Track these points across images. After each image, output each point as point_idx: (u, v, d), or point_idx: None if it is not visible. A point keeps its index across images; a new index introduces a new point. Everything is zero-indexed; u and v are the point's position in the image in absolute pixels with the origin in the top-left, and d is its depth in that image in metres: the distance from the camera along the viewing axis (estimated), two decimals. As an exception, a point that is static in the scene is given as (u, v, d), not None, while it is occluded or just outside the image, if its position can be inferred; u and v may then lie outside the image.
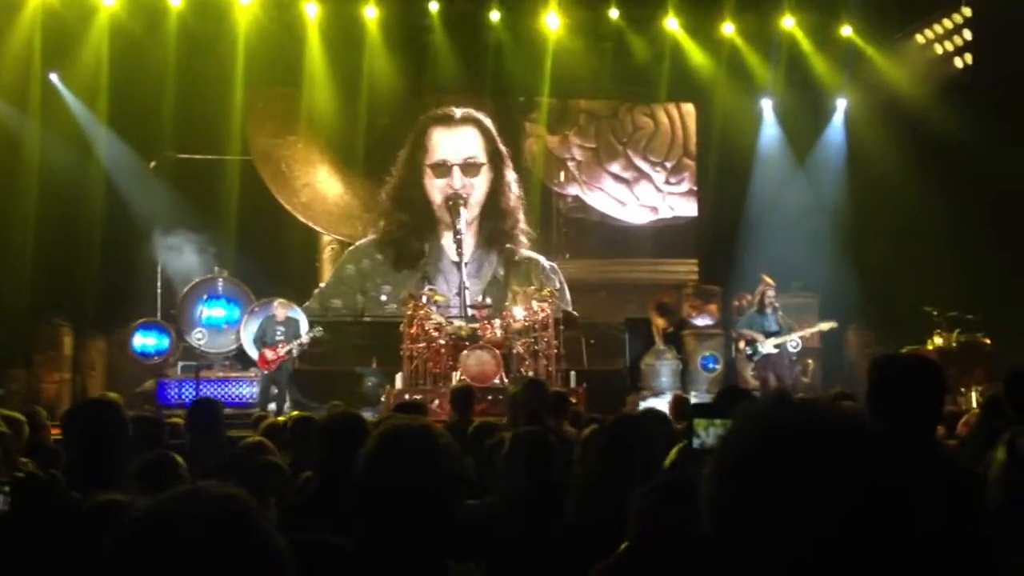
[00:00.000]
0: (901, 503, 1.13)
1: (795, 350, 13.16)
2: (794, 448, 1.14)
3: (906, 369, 3.26)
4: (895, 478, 1.14)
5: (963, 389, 11.79)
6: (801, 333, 13.28)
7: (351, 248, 16.30)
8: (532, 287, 14.74)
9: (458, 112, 16.55)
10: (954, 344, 12.70)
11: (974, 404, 10.60)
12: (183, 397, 12.60)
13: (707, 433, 2.81)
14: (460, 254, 15.47)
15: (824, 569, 1.09)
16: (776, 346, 13.01)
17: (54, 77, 14.58)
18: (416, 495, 2.24)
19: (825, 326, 13.46)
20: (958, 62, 14.24)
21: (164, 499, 1.43)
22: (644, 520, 2.68)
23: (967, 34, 14.07)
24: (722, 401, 3.84)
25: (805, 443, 1.14)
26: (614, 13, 15.34)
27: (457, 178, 16.34)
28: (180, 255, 14.34)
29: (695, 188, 17.12)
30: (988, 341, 12.74)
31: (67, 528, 2.04)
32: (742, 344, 13.33)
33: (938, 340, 12.66)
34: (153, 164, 14.78)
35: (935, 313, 12.77)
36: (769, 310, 13.17)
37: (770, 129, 16.52)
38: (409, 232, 16.29)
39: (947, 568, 1.16)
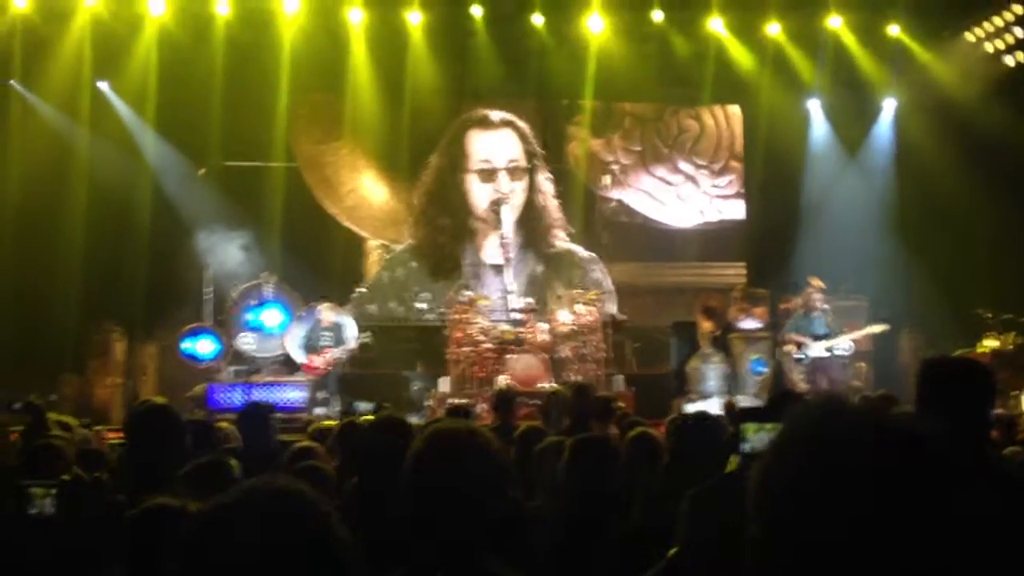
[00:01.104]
0: (956, 515, 1.11)
1: (847, 353, 12.95)
2: (843, 456, 1.12)
3: (954, 372, 3.23)
4: (949, 488, 1.12)
5: (1017, 392, 11.58)
6: (852, 336, 13.10)
7: (387, 256, 16.36)
8: (577, 290, 14.69)
9: (495, 115, 16.54)
10: (1010, 347, 12.49)
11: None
12: (233, 401, 12.72)
13: (756, 438, 2.78)
14: (507, 259, 15.48)
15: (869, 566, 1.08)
16: (826, 349, 12.82)
17: (104, 85, 14.83)
18: (462, 497, 2.24)
19: (877, 328, 13.27)
20: (1008, 60, 14.03)
21: (234, 493, 1.43)
22: (692, 524, 2.67)
23: (1018, 32, 13.86)
24: (774, 406, 3.80)
25: (853, 451, 1.12)
26: (658, 15, 15.26)
27: (504, 182, 16.34)
28: (225, 252, 14.50)
29: (742, 190, 16.99)
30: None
31: (111, 530, 2.06)
32: (787, 348, 13.18)
33: (992, 343, 12.45)
34: (202, 171, 14.97)
35: (989, 315, 12.57)
36: (817, 313, 12.99)
37: (817, 130, 16.36)
38: (449, 237, 16.32)
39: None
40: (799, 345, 12.94)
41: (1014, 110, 13.24)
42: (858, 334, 13.25)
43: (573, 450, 3.95)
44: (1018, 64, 13.89)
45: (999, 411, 7.39)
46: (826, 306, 13.10)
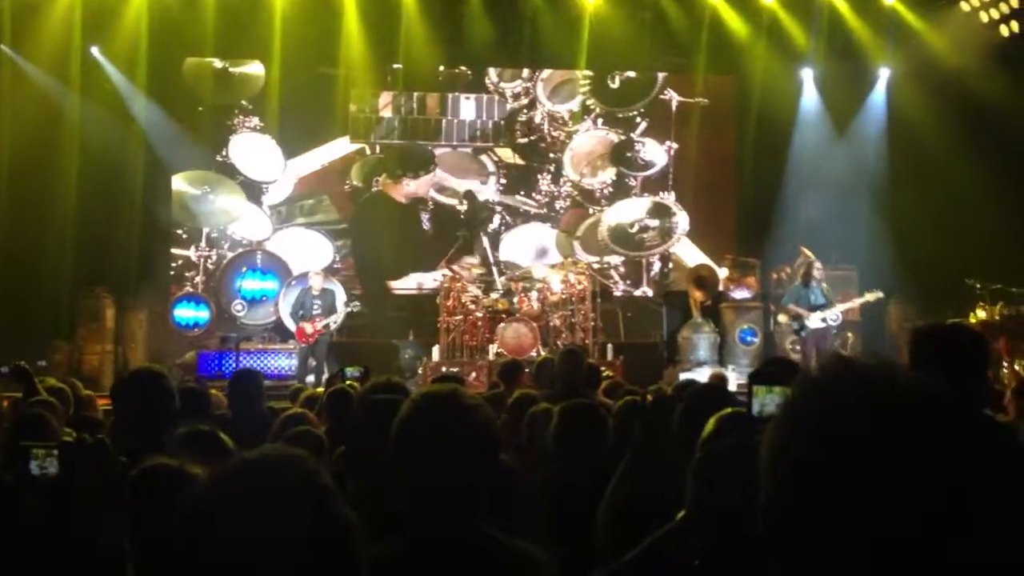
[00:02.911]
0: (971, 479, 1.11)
1: (835, 323, 12.96)
2: (862, 419, 1.11)
3: (948, 338, 3.21)
4: (967, 450, 1.12)
5: (1007, 363, 11.64)
6: (848, 305, 13.09)
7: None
8: (568, 259, 14.71)
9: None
10: (997, 317, 12.53)
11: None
12: (223, 369, 12.74)
13: (767, 400, 2.77)
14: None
15: (891, 537, 1.07)
16: (822, 320, 12.78)
17: (95, 50, 14.69)
18: (452, 461, 2.23)
19: (871, 296, 13.22)
20: (1004, 30, 13.98)
21: (235, 462, 1.43)
22: (701, 488, 2.67)
23: (1014, 1, 13.80)
24: (773, 370, 3.80)
25: (875, 409, 1.11)
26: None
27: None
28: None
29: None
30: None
31: (115, 490, 2.07)
32: (782, 318, 13.18)
33: (981, 313, 12.48)
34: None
35: (978, 285, 12.60)
36: (814, 283, 12.93)
37: (810, 100, 16.29)
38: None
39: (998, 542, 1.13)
40: (795, 316, 12.88)
41: (1009, 79, 13.20)
42: (855, 303, 13.24)
43: (562, 416, 3.96)
44: (1013, 33, 13.84)
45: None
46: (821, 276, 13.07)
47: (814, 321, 12.75)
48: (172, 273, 15.08)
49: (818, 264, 13.01)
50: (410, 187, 16.22)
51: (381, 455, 2.37)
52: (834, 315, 12.85)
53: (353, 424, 3.63)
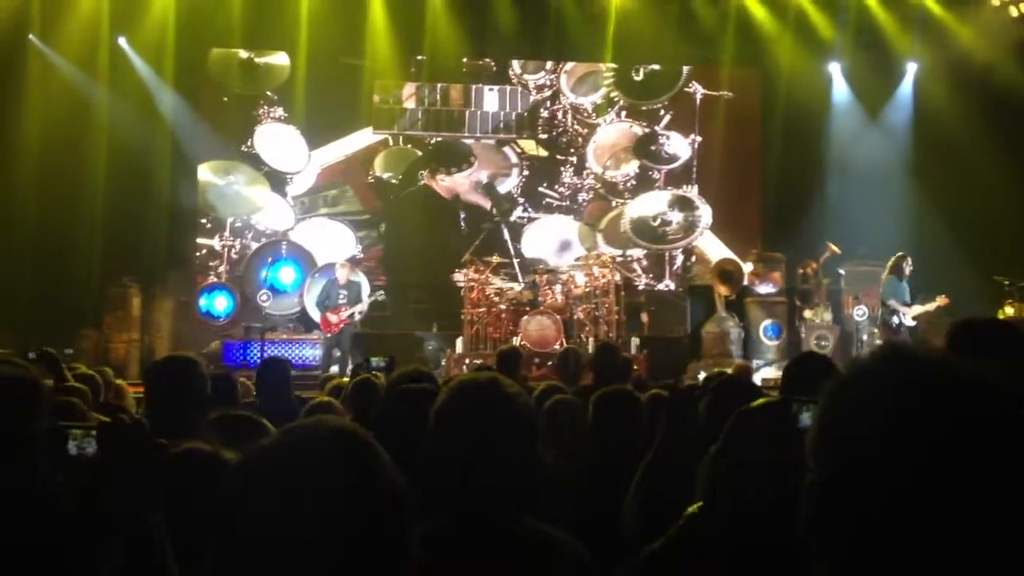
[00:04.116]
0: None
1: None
2: (924, 401, 1.11)
3: (986, 332, 3.17)
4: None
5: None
6: (926, 307, 12.47)
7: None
8: (593, 252, 14.69)
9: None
10: (1024, 314, 12.44)
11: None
12: (248, 358, 12.79)
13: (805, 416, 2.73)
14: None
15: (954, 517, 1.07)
16: (913, 318, 12.29)
17: (122, 41, 14.77)
18: (491, 446, 2.21)
19: (941, 301, 12.50)
20: (1034, 25, 13.86)
21: (289, 429, 1.44)
22: (715, 481, 2.67)
23: (1045, -5, 13.69)
24: (809, 367, 3.78)
25: (935, 395, 1.11)
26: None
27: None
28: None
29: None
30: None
31: (154, 472, 2.08)
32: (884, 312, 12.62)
33: (1010, 310, 12.38)
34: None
35: (1007, 283, 12.49)
36: (907, 279, 12.49)
37: (837, 94, 16.19)
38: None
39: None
40: (892, 312, 12.41)
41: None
42: (931, 306, 12.53)
43: (599, 402, 3.95)
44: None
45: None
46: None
47: (909, 319, 12.33)
48: (198, 263, 15.15)
49: (908, 259, 12.57)
50: (445, 182, 16.21)
51: (410, 443, 2.37)
52: (920, 315, 12.37)
53: (381, 412, 3.64)
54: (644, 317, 14.70)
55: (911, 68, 15.89)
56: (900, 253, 12.61)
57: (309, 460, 1.34)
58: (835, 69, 16.17)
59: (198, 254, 15.26)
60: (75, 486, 2.19)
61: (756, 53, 15.91)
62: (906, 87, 15.94)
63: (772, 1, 15.41)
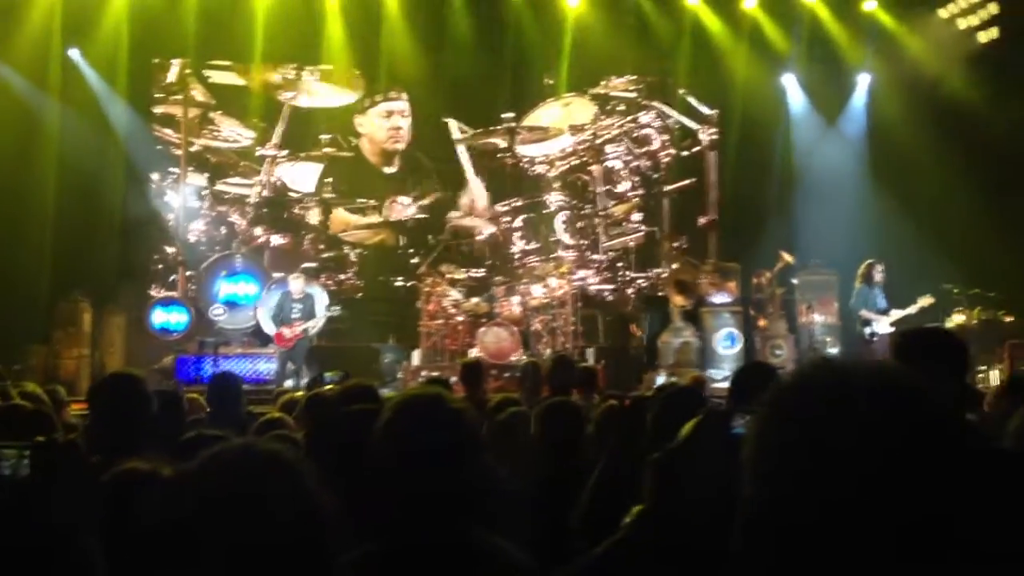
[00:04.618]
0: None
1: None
2: (854, 413, 1.10)
3: (929, 340, 3.22)
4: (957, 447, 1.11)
5: (984, 367, 11.69)
6: (905, 312, 12.20)
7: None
8: (550, 264, 14.69)
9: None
10: (975, 322, 12.58)
11: (995, 382, 10.49)
12: (201, 373, 12.65)
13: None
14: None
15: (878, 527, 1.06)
16: (891, 324, 11.99)
17: (74, 53, 14.59)
18: (435, 465, 2.21)
19: (924, 302, 12.30)
20: (981, 36, 14.08)
21: (216, 452, 1.41)
22: (658, 484, 2.67)
23: (991, 8, 13.91)
24: (754, 377, 3.80)
25: (865, 407, 1.10)
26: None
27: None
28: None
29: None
30: (1010, 319, 12.63)
31: (87, 492, 2.04)
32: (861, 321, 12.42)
33: (959, 318, 12.52)
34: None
35: (955, 290, 12.64)
36: (877, 286, 12.37)
37: (791, 106, 16.36)
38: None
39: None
40: (867, 321, 12.26)
41: (987, 86, 13.30)
42: (911, 309, 12.33)
43: (543, 414, 3.95)
44: (991, 40, 13.94)
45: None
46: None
47: (884, 326, 12.11)
48: (151, 278, 14.94)
49: (879, 265, 12.49)
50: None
51: (356, 464, 2.35)
52: (899, 320, 12.09)
53: (326, 436, 3.61)
54: (633, 329, 14.62)
55: (864, 79, 16.09)
56: (869, 260, 12.51)
57: (234, 484, 1.32)
58: (790, 80, 16.33)
59: (153, 269, 15.01)
60: (6, 507, 2.14)
61: (712, 65, 16.04)
62: (860, 97, 16.13)
63: (727, 13, 15.56)
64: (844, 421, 1.09)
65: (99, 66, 14.61)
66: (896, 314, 12.22)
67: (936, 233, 13.56)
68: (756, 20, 15.52)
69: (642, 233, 16.09)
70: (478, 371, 7.85)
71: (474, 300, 13.68)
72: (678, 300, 14.17)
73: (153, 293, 14.64)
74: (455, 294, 13.65)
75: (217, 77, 15.59)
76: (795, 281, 14.34)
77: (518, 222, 15.75)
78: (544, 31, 15.54)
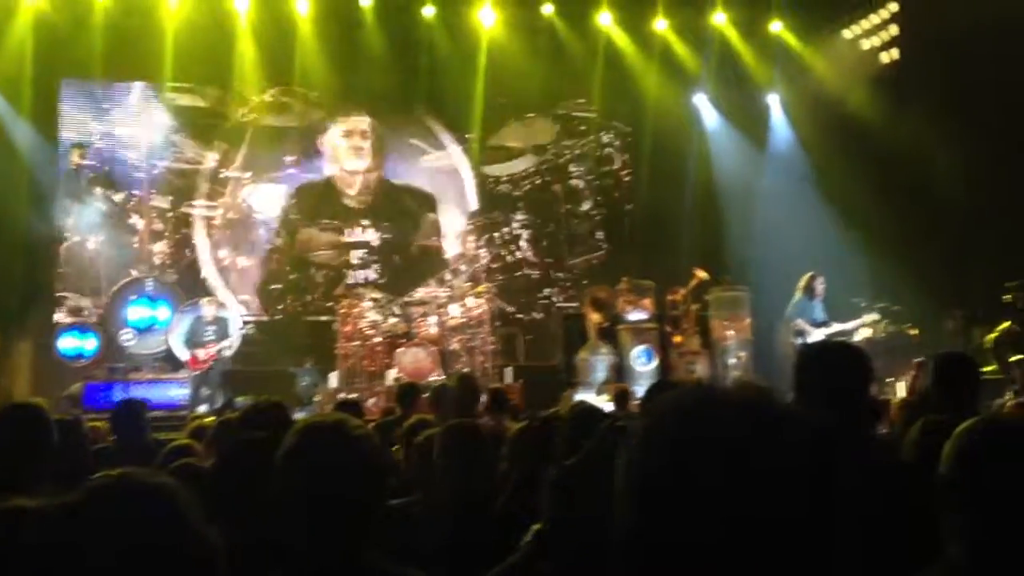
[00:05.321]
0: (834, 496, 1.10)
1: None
2: (717, 441, 1.10)
3: (830, 355, 3.26)
4: (828, 470, 1.11)
5: (892, 380, 11.95)
6: (845, 326, 12.45)
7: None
8: (468, 283, 14.67)
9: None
10: (881, 335, 12.88)
11: (901, 395, 10.74)
12: (111, 400, 12.34)
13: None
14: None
15: (737, 554, 1.06)
16: (828, 337, 11.98)
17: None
18: (334, 493, 2.20)
19: (869, 318, 12.70)
20: (884, 57, 14.49)
21: (95, 485, 1.38)
22: (555, 500, 2.69)
23: (892, 29, 14.33)
24: (651, 395, 3.84)
25: (727, 435, 1.10)
26: (548, 8, 15.37)
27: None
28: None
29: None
30: (915, 332, 12.95)
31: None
32: (787, 333, 12.60)
33: (865, 331, 12.79)
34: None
35: (863, 304, 12.91)
36: (818, 298, 12.49)
37: (703, 123, 16.64)
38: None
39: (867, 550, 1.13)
40: (800, 332, 12.38)
41: (889, 104, 13.67)
42: (853, 324, 12.62)
43: (443, 438, 3.94)
44: (893, 60, 14.35)
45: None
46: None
47: (816, 337, 12.17)
48: (57, 304, 14.55)
49: (821, 278, 12.62)
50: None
51: (254, 491, 2.32)
52: (835, 334, 12.20)
53: (223, 466, 3.54)
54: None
55: (774, 98, 16.43)
56: (811, 272, 12.67)
57: (112, 519, 1.29)
58: (701, 100, 16.61)
59: (59, 295, 14.61)
60: None
61: (624, 85, 16.23)
62: (769, 116, 16.46)
63: (638, 34, 15.76)
64: (709, 450, 1.09)
65: (1, 85, 14.22)
66: (835, 327, 12.44)
67: (846, 247, 13.84)
68: (667, 41, 15.75)
69: (603, 252, 16.33)
70: (412, 393, 7.85)
71: (391, 320, 13.59)
72: (595, 318, 14.24)
73: (59, 318, 14.26)
74: (372, 315, 13.55)
75: (179, 99, 15.44)
76: (708, 298, 14.52)
77: (482, 241, 16.02)
78: (459, 52, 15.55)
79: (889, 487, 2.74)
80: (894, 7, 14.27)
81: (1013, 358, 11.54)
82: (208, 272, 15.27)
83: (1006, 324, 12.12)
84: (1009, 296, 12.11)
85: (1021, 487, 2.01)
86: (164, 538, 1.30)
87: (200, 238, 15.44)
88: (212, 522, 2.50)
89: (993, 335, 12.17)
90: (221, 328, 13.15)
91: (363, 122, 16.12)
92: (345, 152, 16.07)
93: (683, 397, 1.17)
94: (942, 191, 12.58)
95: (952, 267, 12.61)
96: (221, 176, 15.72)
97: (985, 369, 10.82)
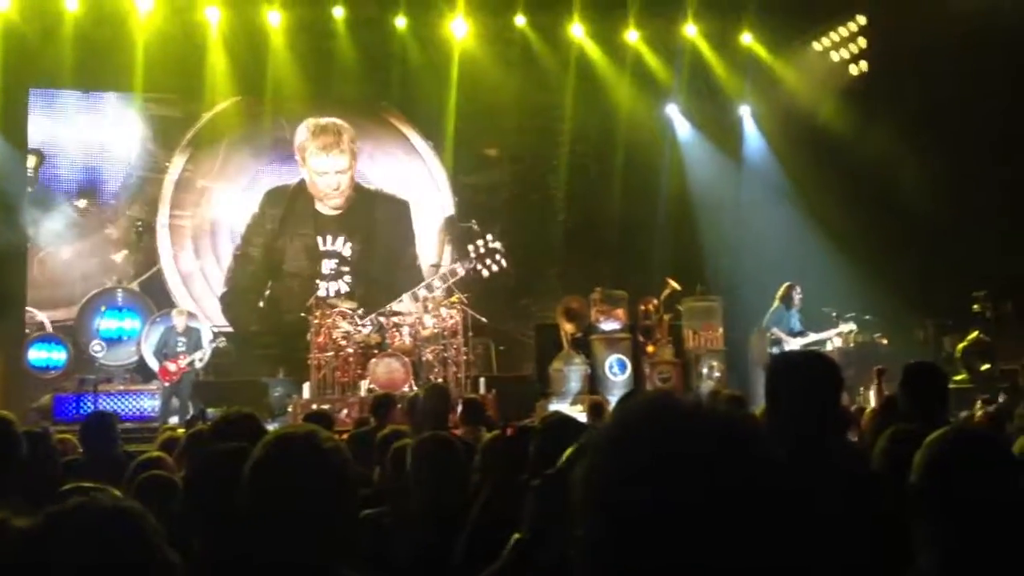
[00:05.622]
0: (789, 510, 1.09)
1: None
2: (671, 452, 1.09)
3: (800, 365, 3.28)
4: (779, 483, 1.11)
5: (862, 389, 12.03)
6: (821, 336, 12.57)
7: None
8: (440, 294, 14.65)
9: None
10: (852, 344, 12.97)
11: (872, 404, 10.80)
12: (81, 412, 12.24)
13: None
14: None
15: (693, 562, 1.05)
16: (804, 346, 12.10)
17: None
18: (304, 503, 2.18)
19: (845, 328, 12.76)
20: (853, 69, 14.62)
21: (57, 510, 1.36)
22: (536, 511, 2.68)
23: (862, 42, 14.46)
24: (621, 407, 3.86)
25: (680, 447, 1.10)
26: (520, 19, 15.39)
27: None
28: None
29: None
30: (886, 341, 13.05)
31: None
32: (763, 341, 12.72)
33: (837, 341, 12.88)
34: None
35: (834, 314, 13.00)
36: (795, 309, 12.59)
37: (675, 134, 16.71)
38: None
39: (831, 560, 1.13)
40: (777, 341, 12.48)
41: (860, 116, 13.78)
42: (829, 333, 12.74)
43: (416, 449, 3.93)
44: (862, 72, 14.49)
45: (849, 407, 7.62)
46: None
47: (792, 346, 12.24)
48: (27, 315, 14.40)
49: (798, 287, 12.73)
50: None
51: (231, 504, 2.30)
52: (811, 344, 12.30)
53: (194, 478, 3.50)
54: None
55: (745, 110, 16.53)
56: (788, 283, 12.79)
57: (75, 541, 1.28)
58: (672, 111, 16.69)
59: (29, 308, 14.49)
60: None
61: (596, 95, 16.27)
62: (739, 127, 16.56)
63: (610, 46, 15.80)
64: (675, 465, 1.08)
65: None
66: (811, 337, 12.53)
67: (819, 258, 13.92)
68: (639, 53, 15.81)
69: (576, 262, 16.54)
70: (388, 404, 7.81)
71: (364, 331, 13.54)
72: (568, 328, 14.26)
73: (29, 330, 14.12)
74: (345, 326, 13.50)
75: (150, 108, 15.39)
76: (680, 308, 14.58)
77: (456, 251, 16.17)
78: (432, 62, 15.55)
79: (858, 495, 2.76)
80: (863, 20, 14.41)
81: (982, 367, 11.67)
82: (178, 282, 15.17)
83: (975, 333, 12.27)
84: (977, 306, 12.25)
85: (990, 495, 2.03)
86: (128, 560, 1.29)
87: (168, 247, 15.34)
88: (184, 534, 2.49)
89: (963, 344, 12.32)
90: (192, 339, 13.07)
91: (335, 129, 16.06)
92: (317, 160, 16.00)
93: (648, 408, 1.16)
94: (911, 202, 12.68)
95: (922, 277, 12.70)
96: (194, 185, 15.63)
97: (955, 378, 10.95)
